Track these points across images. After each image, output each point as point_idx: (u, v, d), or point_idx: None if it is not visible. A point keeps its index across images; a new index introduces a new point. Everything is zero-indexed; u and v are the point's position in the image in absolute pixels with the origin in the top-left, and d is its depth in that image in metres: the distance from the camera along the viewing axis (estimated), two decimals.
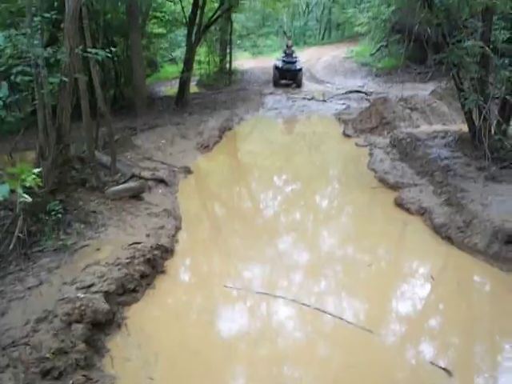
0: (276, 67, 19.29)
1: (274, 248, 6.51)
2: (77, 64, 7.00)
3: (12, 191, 2.99)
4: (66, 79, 6.43)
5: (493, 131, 7.96)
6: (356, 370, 3.98)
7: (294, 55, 19.39)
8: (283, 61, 19.21)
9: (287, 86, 19.13)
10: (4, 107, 5.97)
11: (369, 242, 6.49)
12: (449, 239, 6.13)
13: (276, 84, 19.32)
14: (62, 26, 6.79)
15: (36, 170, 3.00)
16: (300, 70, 19.14)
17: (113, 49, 7.97)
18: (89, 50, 7.09)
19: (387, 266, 6.01)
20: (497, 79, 8.09)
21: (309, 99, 16.58)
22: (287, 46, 19.78)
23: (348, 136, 11.79)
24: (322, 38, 34.25)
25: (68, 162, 6.73)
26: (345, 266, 5.93)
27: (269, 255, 6.26)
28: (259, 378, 4.01)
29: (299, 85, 18.97)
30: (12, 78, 5.87)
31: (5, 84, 5.16)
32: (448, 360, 4.10)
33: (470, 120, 8.70)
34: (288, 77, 19.12)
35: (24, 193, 5.30)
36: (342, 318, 4.64)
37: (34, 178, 2.92)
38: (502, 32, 8.25)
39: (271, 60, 25.36)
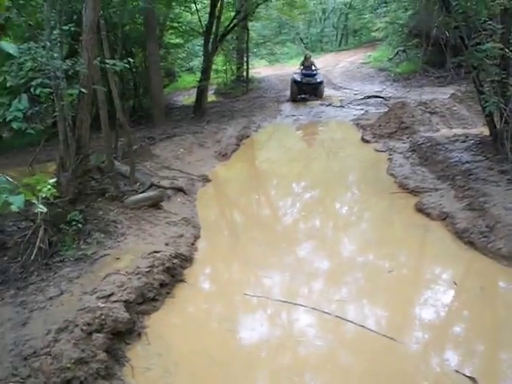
0: (294, 81, 17.53)
1: (293, 255, 6.47)
2: (95, 75, 7.08)
3: (33, 203, 3.02)
4: (84, 90, 6.49)
5: None
6: (379, 379, 3.91)
7: (313, 67, 17.93)
8: (302, 74, 17.58)
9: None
10: (24, 119, 6.05)
11: (389, 248, 6.40)
12: (471, 244, 6.01)
13: (294, 99, 17.60)
14: (80, 38, 6.87)
15: (51, 181, 3.02)
16: (321, 82, 17.66)
17: (131, 60, 8.05)
18: (107, 61, 7.17)
19: (408, 272, 5.92)
20: None
21: (326, 105, 16.53)
22: (305, 58, 18.28)
23: (367, 141, 11.70)
24: (339, 45, 34.23)
25: (88, 172, 6.78)
26: (365, 273, 5.85)
27: (288, 262, 6.22)
28: None
29: (320, 97, 17.57)
30: (32, 90, 5.95)
31: (25, 96, 5.22)
32: (473, 368, 4.01)
33: (491, 123, 8.57)
34: (308, 91, 17.60)
35: (44, 204, 5.38)
36: (363, 326, 4.57)
37: (49, 189, 2.95)
38: None
39: (288, 67, 25.46)
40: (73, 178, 6.31)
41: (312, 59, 18.41)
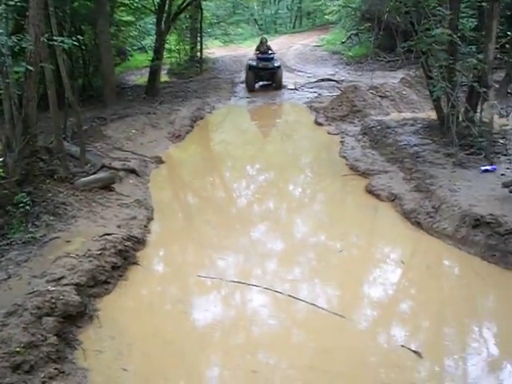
0: (250, 67, 16.10)
1: (247, 237, 6.52)
2: (43, 53, 6.83)
3: None
4: (31, 68, 6.28)
5: (460, 118, 8.09)
6: (330, 356, 4.03)
7: (269, 52, 16.42)
8: (258, 58, 16.10)
9: (265, 87, 16.45)
10: None
11: (340, 229, 6.55)
12: (418, 224, 6.24)
13: (251, 88, 16.16)
14: (27, 13, 6.60)
15: None
16: (279, 67, 16.22)
17: (80, 37, 7.80)
18: (55, 38, 6.93)
19: (358, 252, 6.09)
20: (464, 67, 8.22)
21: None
22: (261, 42, 16.66)
23: (320, 124, 11.83)
24: (293, 27, 34.23)
25: (35, 152, 6.58)
26: (317, 253, 5.98)
27: (242, 244, 6.27)
28: (234, 365, 4.02)
29: (279, 86, 16.11)
30: None
31: None
32: (419, 343, 4.19)
33: (438, 107, 8.84)
34: (265, 77, 16.30)
35: None
36: (315, 305, 4.68)
37: None
38: (470, 20, 8.37)
39: (242, 49, 25.27)
40: (19, 159, 6.11)
41: (268, 43, 16.98)
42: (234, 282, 5.18)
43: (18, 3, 6.27)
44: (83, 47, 14.48)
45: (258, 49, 16.47)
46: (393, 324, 4.58)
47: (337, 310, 4.61)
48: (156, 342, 4.26)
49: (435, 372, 3.91)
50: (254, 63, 16.05)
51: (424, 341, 4.29)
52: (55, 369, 3.66)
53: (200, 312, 4.81)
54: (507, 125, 8.88)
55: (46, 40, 6.67)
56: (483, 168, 7.09)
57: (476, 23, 8.71)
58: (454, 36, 7.97)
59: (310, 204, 8.00)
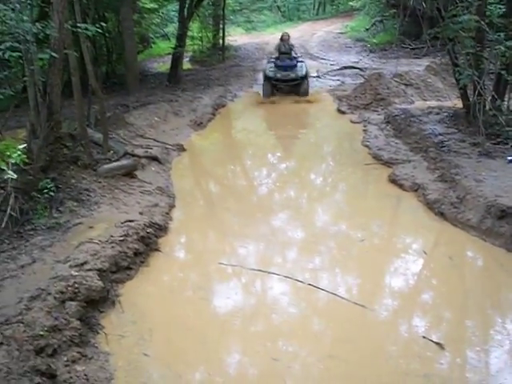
0: (266, 77, 13.08)
1: (268, 225, 6.50)
2: (67, 40, 6.87)
3: (3, 169, 2.95)
4: (55, 55, 6.32)
5: (487, 107, 7.93)
6: (350, 345, 4.02)
7: (293, 53, 13.35)
8: (276, 65, 12.90)
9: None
10: None
11: (362, 219, 6.49)
12: (442, 215, 6.14)
13: (266, 96, 13.10)
14: (51, 0, 6.63)
15: (21, 147, 2.95)
16: (305, 76, 12.88)
17: (103, 24, 7.82)
18: (78, 25, 6.96)
19: (380, 242, 6.02)
20: (492, 54, 8.04)
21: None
22: (282, 39, 13.54)
23: (342, 112, 11.72)
24: (317, 14, 33.84)
25: (59, 139, 6.64)
26: (338, 242, 5.94)
27: (263, 232, 6.26)
28: (254, 352, 4.03)
29: (304, 94, 12.96)
30: (0, 54, 5.75)
31: None
32: (440, 334, 4.14)
33: (464, 96, 8.67)
34: (286, 89, 13.06)
35: (15, 171, 5.26)
36: (335, 294, 4.66)
37: (19, 155, 2.87)
38: (498, 6, 8.16)
39: (265, 36, 25.10)
40: (44, 145, 6.18)
41: (291, 41, 13.78)
42: (255, 270, 5.19)
43: None
44: (107, 34, 14.55)
45: (277, 49, 13.40)
46: (414, 315, 4.54)
47: (357, 299, 4.58)
48: (177, 327, 4.30)
49: (457, 363, 3.87)
50: (271, 73, 12.85)
51: (446, 332, 4.24)
52: (78, 352, 3.72)
53: (221, 299, 4.83)
54: None
55: (69, 27, 6.71)
56: (510, 158, 6.93)
57: (504, 9, 8.48)
58: (482, 22, 7.78)
59: (331, 193, 7.94)
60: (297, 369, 3.81)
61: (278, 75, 12.82)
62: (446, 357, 3.85)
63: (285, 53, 13.27)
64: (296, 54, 13.51)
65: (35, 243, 5.04)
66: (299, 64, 12.95)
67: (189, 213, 6.90)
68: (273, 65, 13.04)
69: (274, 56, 13.46)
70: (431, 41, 13.76)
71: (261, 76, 16.28)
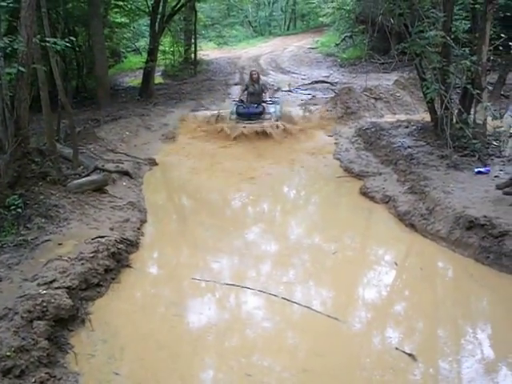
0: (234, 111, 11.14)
1: (241, 239, 6.49)
2: (35, 54, 6.80)
3: None
4: (23, 69, 6.23)
5: (454, 120, 8.11)
6: (324, 358, 4.01)
7: (264, 95, 11.29)
8: (242, 108, 10.99)
9: None
10: None
11: (335, 231, 6.54)
12: (412, 226, 6.23)
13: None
14: (19, 15, 6.56)
15: None
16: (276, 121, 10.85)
17: (73, 38, 7.76)
18: (47, 39, 6.89)
19: (352, 254, 6.07)
20: (457, 69, 8.24)
21: (275, 89, 16.53)
22: (251, 77, 11.48)
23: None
24: (288, 29, 34.24)
25: (27, 154, 6.52)
26: (311, 255, 5.96)
27: (236, 246, 6.25)
28: (227, 368, 3.99)
29: None
30: None
31: None
32: (413, 345, 4.17)
33: (432, 109, 8.85)
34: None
35: None
36: (309, 307, 4.66)
37: None
38: (463, 22, 8.40)
39: (237, 51, 25.25)
40: (11, 161, 6.06)
41: (262, 79, 12.06)
42: (228, 284, 5.16)
43: (11, 4, 6.23)
44: (77, 49, 14.45)
45: (245, 88, 11.50)
46: (386, 326, 4.56)
47: (331, 312, 4.59)
48: (149, 345, 4.22)
49: (429, 374, 3.89)
50: (234, 116, 11.09)
51: (418, 343, 4.28)
52: (46, 373, 3.61)
53: (194, 315, 4.78)
54: (501, 127, 8.86)
55: (38, 41, 6.64)
56: (477, 170, 7.11)
57: (469, 25, 8.74)
58: (448, 38, 8.00)
59: (304, 206, 7.98)
60: None
61: (245, 121, 10.78)
62: (419, 368, 3.87)
63: (252, 94, 11.22)
64: (267, 89, 11.66)
65: (2, 261, 4.92)
66: (270, 108, 11.06)
67: (161, 228, 6.85)
68: (234, 109, 11.15)
69: (240, 97, 11.47)
70: (399, 56, 14.03)
71: (233, 90, 16.33)
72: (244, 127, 10.61)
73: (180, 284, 5.34)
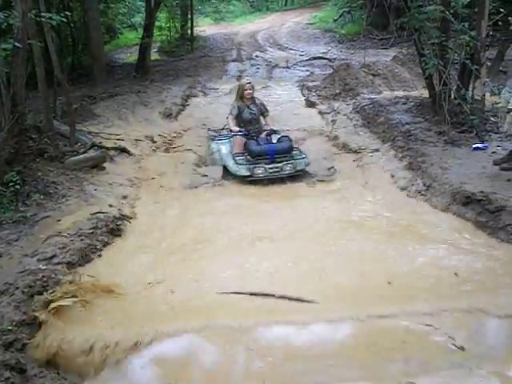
0: (226, 168, 7.12)
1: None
2: (30, 30, 6.74)
3: None
4: (19, 45, 6.17)
5: (452, 96, 8.09)
6: None
7: (263, 122, 7.62)
8: (253, 152, 6.89)
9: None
10: None
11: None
12: None
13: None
14: None
15: None
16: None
17: (68, 13, 7.68)
18: (42, 14, 6.81)
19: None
20: (456, 44, 8.18)
21: (272, 66, 16.44)
22: (244, 96, 7.37)
23: (312, 103, 11.77)
24: (285, 4, 33.85)
25: (24, 131, 6.50)
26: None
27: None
28: None
29: None
30: None
31: None
32: None
33: (430, 85, 8.82)
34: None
35: None
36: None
37: None
38: None
39: (234, 27, 24.97)
40: (8, 138, 6.03)
41: (256, 94, 7.69)
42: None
43: None
44: (72, 25, 14.30)
45: (235, 114, 7.36)
46: None
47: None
48: None
49: None
50: (243, 169, 6.85)
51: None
52: None
53: None
54: (499, 102, 8.84)
55: (33, 16, 6.56)
56: (474, 146, 7.12)
57: (469, 0, 8.65)
58: (447, 13, 7.92)
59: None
60: None
61: (259, 171, 6.76)
62: None
63: (250, 122, 7.40)
64: (266, 110, 7.64)
65: (1, 237, 4.93)
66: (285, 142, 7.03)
67: (159, 204, 6.82)
68: (225, 149, 7.40)
69: (228, 127, 7.58)
70: (398, 31, 13.93)
71: (230, 67, 16.14)
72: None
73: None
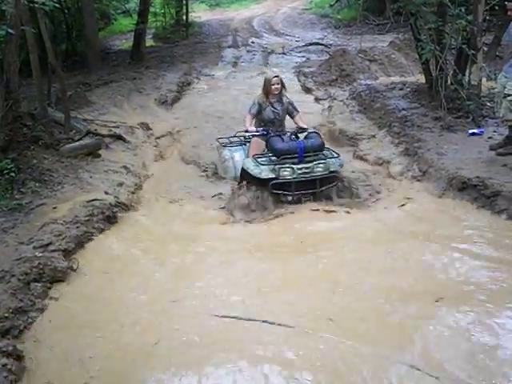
0: (245, 172, 5.83)
1: None
2: (24, 16, 6.66)
3: None
4: (12, 31, 6.10)
5: (449, 81, 8.06)
6: None
7: (297, 123, 6.39)
8: (275, 150, 5.72)
9: None
10: None
11: None
12: None
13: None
14: None
15: None
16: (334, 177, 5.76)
17: None
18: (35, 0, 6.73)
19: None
20: (453, 29, 8.13)
21: (268, 52, 16.34)
22: (270, 92, 6.22)
23: (308, 89, 11.73)
24: None
25: (18, 118, 6.46)
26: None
27: None
28: None
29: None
30: None
31: None
32: None
33: (426, 71, 8.78)
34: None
35: None
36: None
37: None
38: None
39: (229, 13, 24.77)
40: (3, 125, 6.00)
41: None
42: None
43: None
44: (66, 11, 14.15)
45: (256, 112, 6.28)
46: None
47: None
48: None
49: None
50: (266, 171, 5.63)
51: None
52: None
53: None
54: (495, 88, 8.84)
55: (26, 2, 6.48)
56: (471, 131, 7.11)
57: None
58: None
59: None
60: None
61: (286, 173, 5.66)
62: None
63: (272, 122, 6.35)
64: (295, 110, 6.48)
65: None
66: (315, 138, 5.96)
67: (155, 191, 6.82)
68: (238, 156, 6.63)
69: (247, 127, 6.25)
70: (394, 16, 13.87)
71: (226, 53, 16.05)
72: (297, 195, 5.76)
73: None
